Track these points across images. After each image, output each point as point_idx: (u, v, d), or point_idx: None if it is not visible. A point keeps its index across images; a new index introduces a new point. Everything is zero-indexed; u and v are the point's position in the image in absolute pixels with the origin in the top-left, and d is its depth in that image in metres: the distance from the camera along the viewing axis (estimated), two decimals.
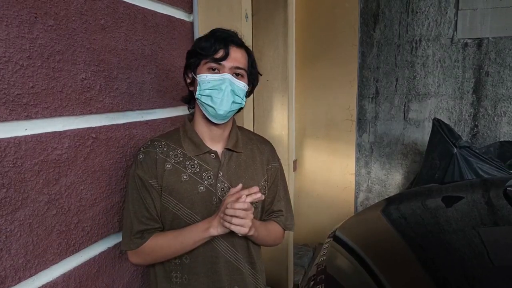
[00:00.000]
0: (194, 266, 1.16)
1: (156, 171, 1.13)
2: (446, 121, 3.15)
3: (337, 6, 3.38)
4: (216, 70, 1.12)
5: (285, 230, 1.34)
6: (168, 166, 1.14)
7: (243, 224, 1.03)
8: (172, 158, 1.15)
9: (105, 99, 1.20)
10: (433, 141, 2.83)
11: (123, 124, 1.30)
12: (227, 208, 1.03)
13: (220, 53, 1.11)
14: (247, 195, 1.03)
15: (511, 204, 1.62)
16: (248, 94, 1.21)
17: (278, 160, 1.35)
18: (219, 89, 1.10)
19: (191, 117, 1.24)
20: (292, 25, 2.57)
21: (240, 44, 1.16)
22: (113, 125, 1.25)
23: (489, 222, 1.72)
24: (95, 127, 1.17)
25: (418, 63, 3.40)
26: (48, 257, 1.02)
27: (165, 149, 1.16)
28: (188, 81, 1.20)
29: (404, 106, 3.49)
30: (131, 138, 1.33)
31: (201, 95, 1.12)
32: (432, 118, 3.22)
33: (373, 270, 1.51)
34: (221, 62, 1.11)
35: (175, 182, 1.14)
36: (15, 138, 0.93)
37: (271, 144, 1.36)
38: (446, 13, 3.27)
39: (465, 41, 3.25)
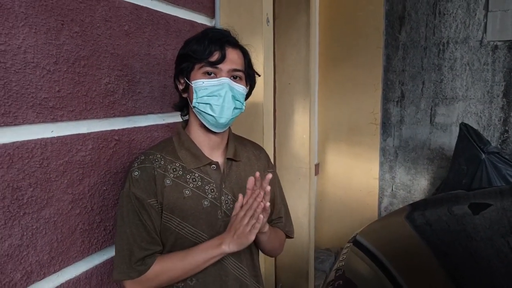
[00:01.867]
0: (202, 287, 1.06)
1: (155, 189, 1.02)
2: (475, 126, 3.06)
3: (361, 9, 3.35)
4: (213, 75, 1.03)
5: (286, 236, 1.28)
6: (168, 181, 1.03)
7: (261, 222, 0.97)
8: (171, 173, 1.04)
9: (128, 102, 1.24)
10: (460, 146, 2.75)
11: (145, 127, 1.33)
12: (242, 218, 0.97)
13: (216, 56, 1.02)
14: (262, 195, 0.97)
15: None
16: (246, 97, 1.13)
17: (273, 166, 1.30)
18: (218, 95, 1.02)
19: (184, 125, 1.15)
20: (315, 28, 2.57)
21: (236, 44, 1.08)
22: (135, 127, 1.28)
23: None
24: (118, 129, 1.21)
25: (445, 66, 3.32)
26: (71, 255, 1.06)
27: (162, 162, 1.05)
28: (181, 87, 1.10)
29: (431, 110, 3.41)
30: (153, 140, 1.36)
31: (198, 103, 1.03)
32: (460, 122, 3.14)
33: (394, 276, 1.49)
34: (218, 66, 1.02)
35: (177, 198, 1.03)
36: (41, 140, 0.97)
37: (264, 150, 1.30)
38: (475, 14, 3.18)
39: (495, 44, 3.15)
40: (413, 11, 3.38)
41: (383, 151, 3.60)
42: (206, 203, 1.06)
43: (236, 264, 1.11)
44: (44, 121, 0.97)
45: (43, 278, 0.99)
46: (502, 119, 3.19)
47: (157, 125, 1.39)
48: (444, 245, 1.63)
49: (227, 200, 1.09)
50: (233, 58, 1.05)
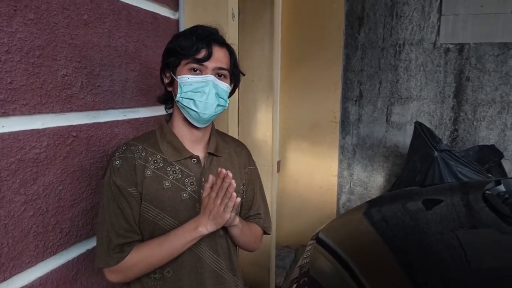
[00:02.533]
0: (178, 279, 1.07)
1: (136, 178, 1.04)
2: (427, 125, 3.20)
3: (324, 6, 3.38)
4: (198, 71, 1.05)
5: (264, 232, 1.30)
6: (148, 172, 1.05)
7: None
8: (151, 164, 1.06)
9: (87, 96, 1.17)
10: (415, 144, 2.87)
11: (105, 122, 1.26)
12: (216, 196, 0.98)
13: (203, 53, 1.04)
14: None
15: (490, 207, 1.65)
16: (230, 94, 1.16)
17: (254, 163, 1.32)
18: (202, 92, 1.04)
19: (168, 118, 1.17)
20: (279, 26, 2.56)
21: (223, 43, 1.10)
22: (95, 123, 1.21)
23: (467, 225, 1.74)
24: (76, 125, 1.14)
25: (401, 67, 3.45)
26: (24, 260, 0.98)
27: (143, 154, 1.07)
28: (166, 81, 1.12)
29: (387, 109, 3.53)
30: (113, 137, 1.30)
31: (182, 97, 1.05)
32: (414, 121, 3.27)
33: (355, 272, 1.51)
34: (204, 63, 1.04)
35: (156, 189, 1.05)
36: None
37: (246, 146, 1.32)
38: (430, 18, 3.32)
39: (447, 46, 3.31)
40: (372, 12, 3.47)
41: (342, 149, 3.68)
42: (185, 195, 1.08)
43: (213, 257, 1.12)
44: None
45: None
46: (452, 119, 3.36)
47: (117, 120, 1.32)
48: (399, 240, 1.69)
49: None
50: (219, 56, 1.07)
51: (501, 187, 1.87)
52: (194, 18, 1.63)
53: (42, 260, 1.04)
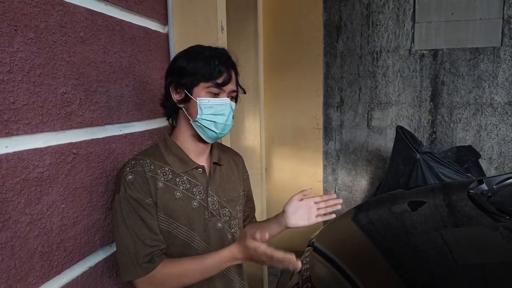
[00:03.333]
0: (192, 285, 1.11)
1: (150, 190, 1.08)
2: (407, 128, 3.30)
3: (302, 17, 3.47)
4: (216, 94, 1.10)
5: None
6: (160, 184, 1.09)
7: None
8: (161, 176, 1.10)
9: (85, 113, 1.17)
10: (397, 147, 2.95)
11: (103, 138, 1.26)
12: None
13: (223, 77, 1.08)
14: None
15: (476, 205, 1.72)
16: None
17: (247, 170, 1.40)
18: (223, 114, 1.10)
19: (170, 132, 1.20)
20: (261, 37, 2.61)
21: (234, 66, 1.15)
22: (93, 139, 1.21)
23: (456, 223, 1.81)
24: (76, 142, 1.13)
25: (379, 73, 3.56)
26: (30, 281, 0.97)
27: (152, 167, 1.10)
28: (177, 97, 1.13)
29: (368, 114, 3.62)
30: (111, 152, 1.30)
31: (203, 119, 1.09)
32: (394, 125, 3.38)
33: (351, 276, 1.55)
34: (223, 87, 1.09)
35: (169, 200, 1.09)
36: None
37: (241, 156, 1.39)
38: (404, 25, 3.45)
39: (422, 52, 3.44)
40: (349, 22, 3.57)
41: (326, 155, 3.75)
42: (195, 204, 1.13)
43: (224, 280, 1.17)
44: None
45: None
46: (430, 121, 3.48)
47: (114, 136, 1.32)
48: (387, 242, 1.75)
49: (213, 201, 1.16)
50: (234, 79, 1.13)
51: (484, 186, 1.96)
52: (184, 32, 1.65)
53: (47, 280, 1.02)
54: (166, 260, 1.07)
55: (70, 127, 1.11)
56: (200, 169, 1.16)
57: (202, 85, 1.09)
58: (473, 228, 1.68)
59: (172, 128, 1.21)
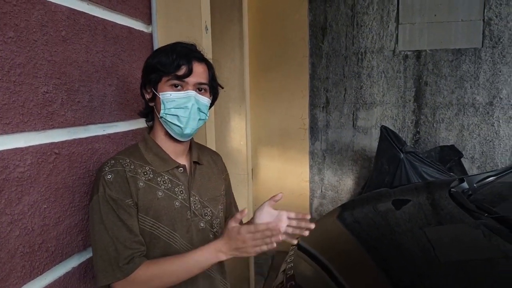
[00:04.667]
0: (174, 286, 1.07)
1: (130, 190, 1.04)
2: (391, 128, 3.35)
3: (287, 18, 3.49)
4: (179, 87, 1.08)
5: None
6: (141, 184, 1.06)
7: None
8: (142, 176, 1.07)
9: (67, 113, 1.16)
10: (382, 147, 2.99)
11: (85, 138, 1.25)
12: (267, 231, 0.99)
13: (183, 70, 1.06)
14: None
15: (457, 203, 1.76)
16: (209, 107, 1.19)
17: (226, 169, 1.39)
18: (185, 107, 1.07)
19: (149, 131, 1.18)
20: (247, 37, 2.62)
21: (202, 59, 1.13)
22: (75, 139, 1.21)
23: (437, 221, 1.85)
24: (58, 142, 1.13)
25: (364, 74, 3.60)
26: (11, 281, 0.96)
27: (132, 167, 1.07)
28: (148, 96, 1.13)
29: (353, 114, 3.66)
30: (94, 152, 1.29)
31: (166, 114, 1.07)
32: (379, 125, 3.41)
33: (335, 274, 1.57)
34: (185, 79, 1.07)
35: (151, 200, 1.07)
36: None
37: (220, 155, 1.38)
38: (388, 27, 3.50)
39: (405, 53, 3.49)
40: (334, 22, 3.61)
41: (312, 155, 3.77)
42: (177, 204, 1.11)
43: (207, 280, 1.16)
44: None
45: None
46: (414, 122, 3.54)
47: (97, 136, 1.31)
48: (372, 240, 1.77)
49: (195, 201, 1.15)
50: (199, 72, 1.09)
51: (465, 185, 2.00)
52: (168, 32, 1.65)
53: (29, 281, 1.02)
54: (147, 262, 1.03)
55: (52, 127, 1.10)
56: (181, 168, 1.14)
57: (164, 79, 1.08)
58: (455, 226, 1.71)
59: (150, 128, 1.19)
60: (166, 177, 1.11)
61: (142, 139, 1.17)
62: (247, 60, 2.60)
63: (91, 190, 1.07)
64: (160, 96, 1.08)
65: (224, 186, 1.30)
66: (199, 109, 1.10)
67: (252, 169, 3.54)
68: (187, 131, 1.09)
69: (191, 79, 1.08)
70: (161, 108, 1.08)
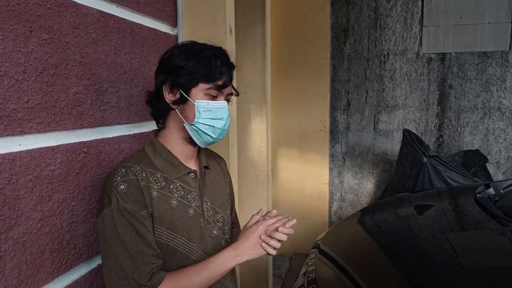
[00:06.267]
0: None
1: (145, 200, 0.98)
2: (414, 132, 3.29)
3: (309, 21, 3.49)
4: (215, 97, 1.04)
5: None
6: (155, 193, 1.00)
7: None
8: (155, 184, 1.01)
9: (96, 113, 1.19)
10: (404, 151, 2.95)
11: (112, 138, 1.28)
12: (277, 231, 1.05)
13: (224, 79, 1.02)
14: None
15: (483, 209, 1.72)
16: None
17: (229, 173, 1.35)
18: (221, 118, 1.04)
19: (156, 134, 1.12)
20: (269, 39, 2.63)
21: (234, 67, 1.10)
22: (103, 139, 1.23)
23: (462, 227, 1.81)
24: (86, 141, 1.15)
25: (386, 76, 3.55)
26: (41, 277, 0.99)
27: (144, 174, 1.01)
28: (171, 98, 1.04)
29: (374, 117, 3.62)
30: (120, 152, 1.31)
31: (200, 123, 1.02)
32: (401, 128, 3.37)
33: (355, 278, 1.55)
34: (223, 90, 1.04)
35: (166, 209, 1.01)
36: (9, 154, 0.90)
37: (223, 158, 1.35)
38: (412, 29, 3.45)
39: (429, 56, 3.43)
40: (356, 25, 3.58)
41: (332, 157, 3.75)
42: (191, 211, 1.07)
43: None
44: (13, 134, 0.90)
45: None
46: (437, 125, 3.47)
47: (124, 136, 1.34)
48: (393, 244, 1.75)
49: (207, 208, 1.12)
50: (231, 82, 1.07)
51: (491, 190, 1.95)
52: (193, 34, 1.67)
53: (57, 276, 1.04)
54: (168, 276, 0.99)
55: (81, 127, 1.13)
56: (192, 174, 1.10)
57: (201, 86, 1.02)
58: (480, 232, 1.67)
59: (157, 131, 1.13)
60: (178, 184, 1.06)
61: (148, 143, 1.10)
62: (269, 62, 2.60)
63: (100, 202, 1.02)
64: (195, 104, 1.02)
65: (228, 190, 1.27)
66: (229, 119, 1.08)
67: (271, 171, 3.54)
68: (217, 141, 1.07)
69: (227, 89, 1.06)
70: (195, 116, 1.02)
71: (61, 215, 1.05)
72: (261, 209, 1.08)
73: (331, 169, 3.75)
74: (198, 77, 1.01)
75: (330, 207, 3.80)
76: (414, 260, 1.55)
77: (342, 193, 3.79)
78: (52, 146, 1.03)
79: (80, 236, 1.13)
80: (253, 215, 1.11)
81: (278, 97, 3.60)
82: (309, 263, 1.72)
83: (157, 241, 1.01)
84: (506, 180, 2.12)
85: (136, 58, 1.39)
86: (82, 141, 1.14)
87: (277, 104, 3.61)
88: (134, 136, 1.40)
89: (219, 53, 1.05)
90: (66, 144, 1.07)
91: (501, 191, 1.94)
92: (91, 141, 1.17)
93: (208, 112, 1.03)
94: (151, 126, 1.51)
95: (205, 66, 1.01)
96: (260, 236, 1.05)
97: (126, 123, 1.35)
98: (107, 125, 1.25)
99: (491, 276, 1.36)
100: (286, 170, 3.70)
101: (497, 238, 1.56)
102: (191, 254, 1.06)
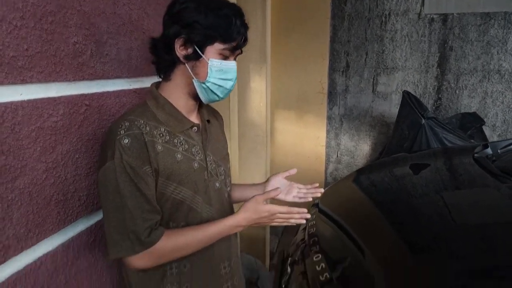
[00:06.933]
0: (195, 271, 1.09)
1: (149, 156, 0.97)
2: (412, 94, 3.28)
3: None
4: (226, 57, 1.02)
5: None
6: (159, 147, 0.99)
7: None
8: (159, 138, 1.01)
9: (96, 65, 1.16)
10: (403, 112, 2.95)
11: (113, 92, 1.26)
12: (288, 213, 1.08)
13: (238, 40, 1.00)
14: None
15: (481, 167, 1.74)
16: None
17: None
18: (231, 79, 1.04)
19: (157, 86, 1.10)
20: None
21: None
22: (104, 92, 1.21)
23: (459, 185, 1.84)
24: (88, 94, 1.13)
25: (387, 37, 3.49)
26: (48, 227, 1.00)
27: (148, 128, 0.99)
28: (184, 52, 1.01)
29: (373, 79, 3.59)
30: (121, 106, 1.30)
31: (212, 83, 1.02)
32: (399, 91, 3.36)
33: (352, 235, 1.58)
34: (236, 51, 1.02)
35: (171, 163, 1.01)
36: (11, 103, 0.88)
37: (220, 113, 1.34)
38: None
39: (431, 16, 3.36)
40: None
41: (330, 119, 3.75)
42: (196, 165, 1.07)
43: (224, 243, 1.15)
44: (14, 82, 0.88)
45: (20, 253, 0.92)
46: (436, 88, 3.46)
47: (124, 90, 1.31)
48: (388, 203, 1.78)
49: (210, 161, 1.12)
50: None
51: (489, 150, 1.97)
52: None
53: (64, 227, 1.05)
54: (167, 233, 1.00)
55: (82, 78, 1.10)
56: (195, 128, 1.09)
57: (217, 45, 0.99)
58: (479, 189, 1.69)
59: (158, 83, 1.11)
60: (182, 138, 1.06)
61: (151, 96, 1.08)
62: (269, 21, 2.53)
63: (101, 155, 1.00)
64: (209, 63, 1.00)
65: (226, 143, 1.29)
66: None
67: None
68: (222, 99, 1.08)
69: (238, 50, 1.04)
70: (207, 74, 1.00)
71: (65, 167, 1.05)
72: (278, 188, 1.12)
73: (328, 131, 3.76)
74: (216, 36, 0.98)
75: (326, 168, 3.84)
76: (408, 217, 1.58)
77: (338, 155, 3.82)
78: (54, 97, 1.01)
79: (84, 188, 1.13)
80: (270, 192, 1.10)
81: (277, 58, 3.53)
82: (309, 220, 1.76)
83: (163, 194, 1.01)
84: (503, 140, 2.14)
85: (135, 9, 1.35)
86: (83, 94, 1.11)
87: (276, 65, 3.55)
88: (135, 91, 1.37)
89: (238, 13, 1.01)
90: (68, 95, 1.05)
91: (499, 151, 1.96)
92: (92, 94, 1.15)
93: (220, 72, 1.01)
94: (151, 80, 1.47)
95: (225, 25, 0.98)
96: (271, 216, 1.08)
97: (127, 77, 1.32)
98: (108, 78, 1.22)
99: (486, 231, 1.39)
100: (284, 132, 3.70)
101: (495, 195, 1.59)
102: (197, 206, 1.08)
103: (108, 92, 1.23)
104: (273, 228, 3.36)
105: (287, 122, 3.68)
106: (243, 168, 2.45)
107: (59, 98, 1.02)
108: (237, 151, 2.17)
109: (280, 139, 3.72)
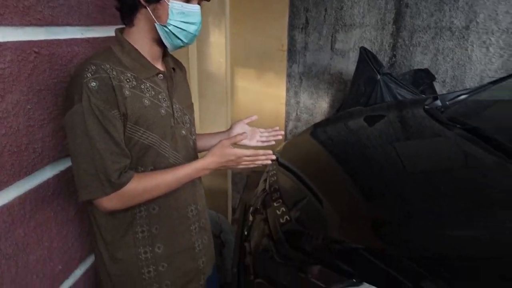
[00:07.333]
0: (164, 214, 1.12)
1: (117, 99, 0.96)
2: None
3: None
4: (189, 0, 1.01)
5: None
6: (127, 92, 0.99)
7: None
8: (126, 83, 1.00)
9: (44, 9, 1.09)
10: (360, 68, 3.02)
11: (64, 40, 1.19)
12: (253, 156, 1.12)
13: None
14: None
15: (431, 117, 1.84)
16: None
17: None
18: (194, 23, 1.03)
19: (121, 32, 1.07)
20: None
21: None
22: (54, 40, 1.14)
23: (411, 133, 1.94)
24: (36, 40, 1.07)
25: None
26: (2, 179, 0.96)
27: (115, 73, 0.98)
28: None
29: (332, 36, 3.62)
30: (74, 56, 1.24)
31: (173, 26, 1.01)
32: (357, 48, 3.41)
33: (310, 185, 1.65)
34: None
35: (139, 108, 1.01)
36: None
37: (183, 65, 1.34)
38: None
39: None
40: None
41: (289, 77, 3.77)
42: (163, 111, 1.08)
43: (190, 188, 1.19)
44: None
45: None
46: (391, 45, 3.55)
47: (76, 39, 1.25)
48: (344, 154, 1.86)
49: (176, 109, 1.13)
50: None
51: (438, 102, 2.08)
52: None
53: (19, 180, 1.02)
54: (137, 175, 1.01)
55: (30, 23, 1.04)
56: (161, 75, 1.10)
57: None
58: (429, 139, 1.79)
59: (122, 29, 1.08)
60: (148, 84, 1.06)
61: (116, 42, 1.06)
62: None
63: (67, 99, 0.98)
64: (169, 5, 0.99)
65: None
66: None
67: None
68: (186, 45, 1.07)
69: None
70: (168, 17, 1.00)
71: (16, 117, 1.00)
72: (244, 132, 1.21)
73: (288, 90, 3.79)
74: None
75: (286, 126, 3.90)
76: (362, 167, 1.65)
77: (298, 113, 3.88)
78: (0, 42, 0.94)
79: (38, 140, 1.09)
80: (236, 136, 1.15)
81: (236, 15, 3.45)
82: (270, 170, 1.80)
83: (131, 139, 1.02)
84: (452, 92, 2.26)
85: None
86: (32, 40, 1.05)
87: (235, 22, 3.47)
88: (87, 40, 1.31)
89: None
90: (15, 41, 0.99)
91: (447, 102, 2.07)
92: (42, 40, 1.09)
93: (182, 15, 1.01)
94: (105, 31, 1.41)
95: None
96: (238, 160, 1.12)
97: (78, 24, 1.25)
98: (57, 25, 1.15)
99: (436, 176, 1.49)
100: (244, 90, 3.69)
101: (444, 142, 1.69)
102: (164, 152, 1.09)
103: (58, 40, 1.16)
104: (235, 185, 3.42)
105: (248, 80, 3.66)
106: (204, 126, 2.44)
107: (5, 43, 0.96)
108: (198, 110, 2.16)
109: (241, 97, 3.72)
